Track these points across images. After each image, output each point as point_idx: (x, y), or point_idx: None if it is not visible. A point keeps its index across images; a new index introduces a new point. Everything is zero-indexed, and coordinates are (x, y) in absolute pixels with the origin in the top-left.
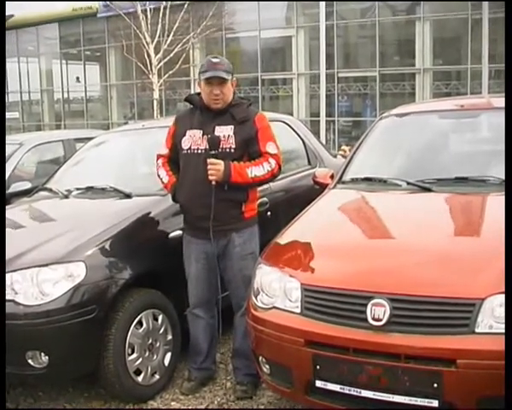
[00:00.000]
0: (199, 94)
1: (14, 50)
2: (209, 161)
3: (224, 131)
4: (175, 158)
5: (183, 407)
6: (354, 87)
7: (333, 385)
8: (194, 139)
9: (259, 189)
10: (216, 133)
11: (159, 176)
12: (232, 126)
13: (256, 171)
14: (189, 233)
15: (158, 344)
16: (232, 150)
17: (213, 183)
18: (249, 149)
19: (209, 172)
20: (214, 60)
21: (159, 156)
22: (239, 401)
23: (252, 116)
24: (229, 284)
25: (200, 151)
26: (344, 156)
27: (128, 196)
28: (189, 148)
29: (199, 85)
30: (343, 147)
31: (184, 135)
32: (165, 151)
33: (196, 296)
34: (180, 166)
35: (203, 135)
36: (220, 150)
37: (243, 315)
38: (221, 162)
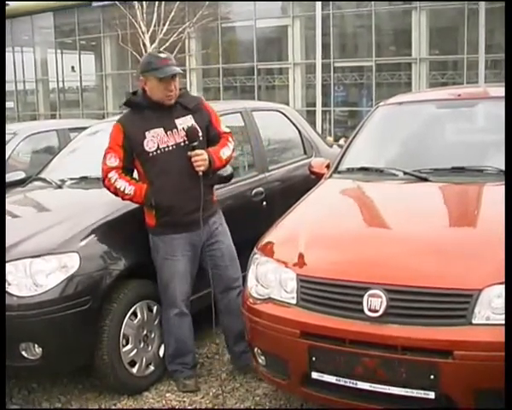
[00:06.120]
0: (134, 93)
1: (9, 40)
2: (194, 152)
3: (186, 122)
4: (128, 167)
5: (178, 399)
6: (350, 77)
7: (329, 377)
8: (159, 138)
9: (254, 179)
10: (179, 126)
11: (117, 190)
12: (190, 116)
13: (226, 151)
14: (171, 232)
15: (153, 335)
16: (201, 138)
17: (200, 173)
18: (209, 133)
19: (196, 163)
20: (163, 55)
21: (109, 169)
22: (234, 393)
23: (201, 102)
24: (217, 268)
25: (172, 147)
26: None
27: None
28: (158, 148)
29: (143, 83)
30: (328, 138)
31: (144, 137)
32: (116, 162)
33: (184, 293)
34: (144, 170)
35: (166, 131)
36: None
37: (239, 295)
38: (204, 152)
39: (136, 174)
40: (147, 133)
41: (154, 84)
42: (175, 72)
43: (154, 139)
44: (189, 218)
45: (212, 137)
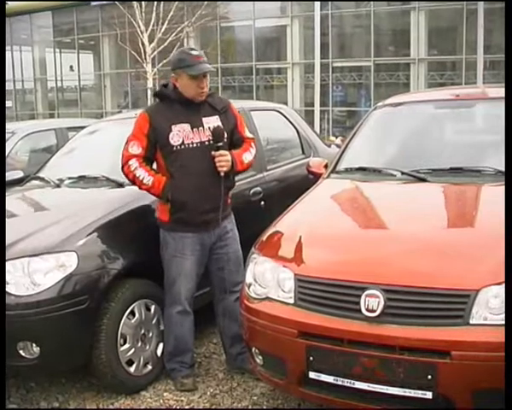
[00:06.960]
0: (165, 86)
1: (8, 39)
2: (218, 153)
3: (212, 122)
4: (150, 157)
5: (175, 398)
6: (349, 77)
7: (326, 377)
8: (185, 133)
9: (252, 179)
10: (205, 124)
11: (136, 178)
12: (217, 117)
13: (248, 156)
14: (183, 229)
15: (150, 335)
16: (226, 140)
17: (222, 174)
18: (233, 136)
19: (219, 163)
20: (195, 53)
21: (130, 156)
22: (232, 392)
23: (228, 105)
24: (221, 270)
25: (196, 144)
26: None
27: (121, 185)
28: (182, 143)
29: (174, 80)
30: (331, 137)
31: (170, 130)
32: (138, 150)
33: (188, 291)
34: (165, 163)
35: (192, 128)
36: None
37: (238, 300)
38: (228, 153)
39: (155, 166)
40: (173, 127)
41: (185, 81)
42: (207, 69)
43: (180, 134)
44: (202, 217)
45: (235, 141)
